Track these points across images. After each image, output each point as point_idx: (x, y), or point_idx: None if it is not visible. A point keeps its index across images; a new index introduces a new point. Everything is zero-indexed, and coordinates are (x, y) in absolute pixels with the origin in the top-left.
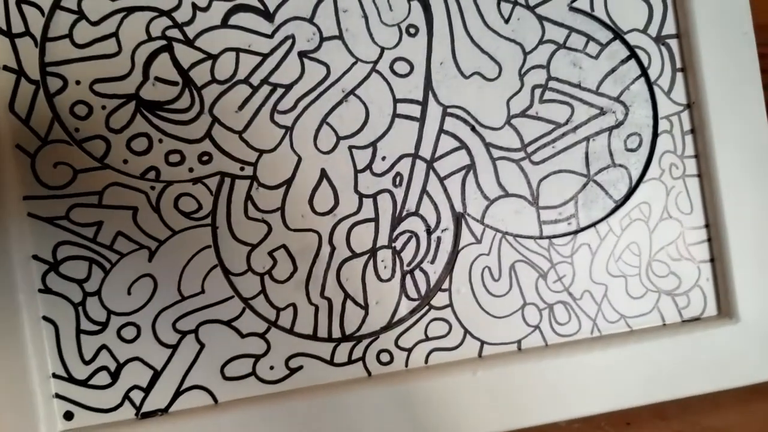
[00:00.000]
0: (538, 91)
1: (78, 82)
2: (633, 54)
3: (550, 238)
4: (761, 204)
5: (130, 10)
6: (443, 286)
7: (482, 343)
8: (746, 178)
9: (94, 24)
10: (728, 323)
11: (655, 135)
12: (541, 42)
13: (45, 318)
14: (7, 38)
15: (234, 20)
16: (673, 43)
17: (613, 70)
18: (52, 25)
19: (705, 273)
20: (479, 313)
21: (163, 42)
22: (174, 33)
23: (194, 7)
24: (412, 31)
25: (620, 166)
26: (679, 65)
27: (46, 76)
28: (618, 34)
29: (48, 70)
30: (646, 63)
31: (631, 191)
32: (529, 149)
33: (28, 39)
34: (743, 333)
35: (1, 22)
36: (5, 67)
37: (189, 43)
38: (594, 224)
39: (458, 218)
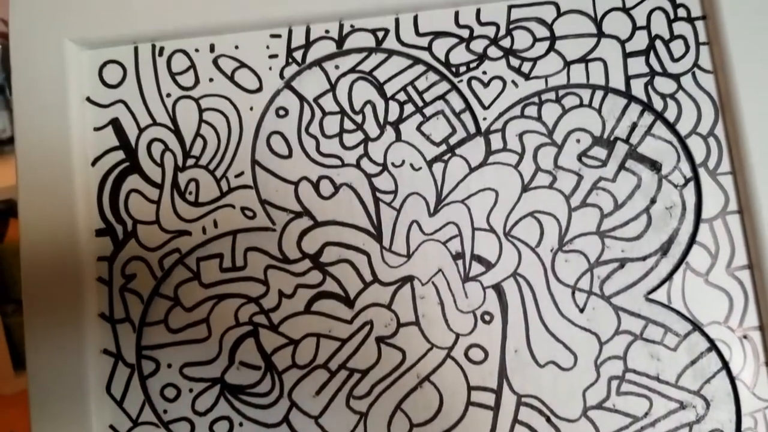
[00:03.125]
0: (615, 383)
1: (169, 365)
2: (713, 346)
3: None
4: None
5: (221, 297)
6: None
7: None
8: None
9: (188, 310)
10: None
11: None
12: (617, 332)
13: None
14: (109, 323)
15: (316, 306)
16: (756, 336)
17: (692, 363)
18: (149, 311)
19: None
20: None
21: (250, 327)
22: (260, 319)
23: (281, 293)
24: (486, 318)
25: None
26: (763, 359)
27: (141, 359)
28: (697, 326)
29: (143, 354)
30: (727, 356)
31: None
32: None
33: (128, 324)
34: None
35: (105, 309)
36: (105, 351)
37: (273, 328)
38: None
39: None
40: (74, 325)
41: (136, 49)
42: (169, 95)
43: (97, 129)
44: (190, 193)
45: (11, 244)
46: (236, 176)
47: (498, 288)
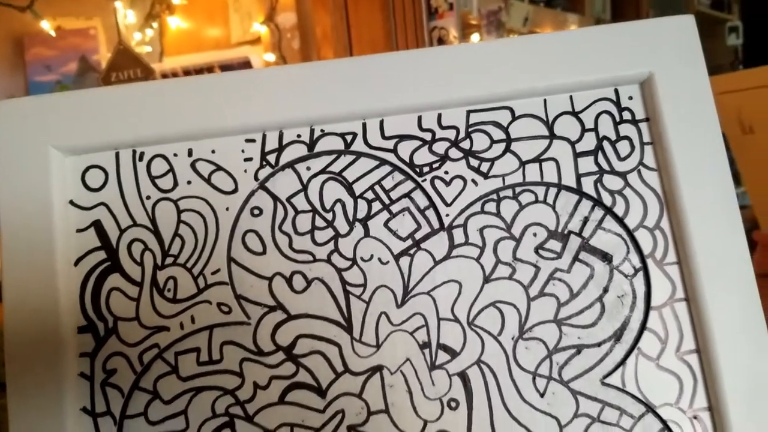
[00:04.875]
0: None
1: None
2: (666, 427)
3: None
4: None
5: (198, 390)
6: None
7: None
8: None
9: (167, 403)
10: None
11: None
12: (575, 415)
13: None
14: (90, 417)
15: (290, 397)
16: (705, 416)
17: None
18: (130, 404)
19: None
20: None
21: (226, 418)
22: (236, 410)
23: (255, 385)
24: (453, 404)
25: None
26: None
27: None
28: (650, 408)
29: None
30: None
31: None
32: None
33: (109, 418)
34: None
35: (87, 403)
36: None
37: (249, 419)
38: None
39: None
40: (57, 419)
41: (117, 155)
42: (148, 197)
43: (79, 230)
44: (169, 290)
45: None
46: (213, 273)
47: (463, 375)
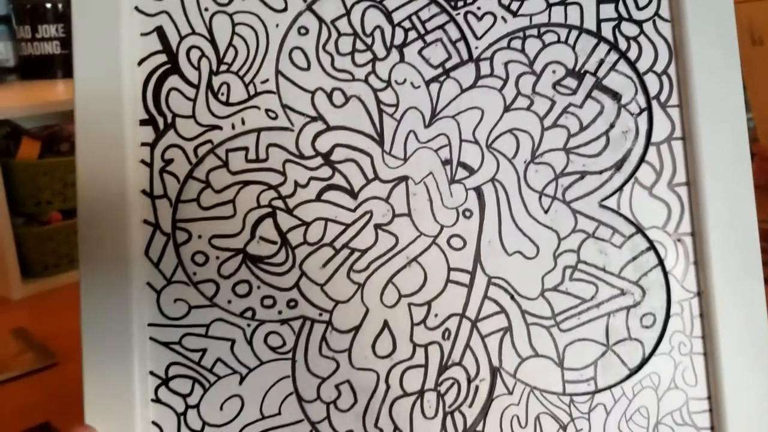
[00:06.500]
0: (568, 271)
1: (200, 236)
2: (652, 247)
3: (571, 395)
4: (758, 380)
5: (246, 183)
6: (478, 428)
7: None
8: (745, 360)
9: (217, 192)
10: None
11: (668, 316)
12: (573, 231)
13: (154, 423)
14: (150, 198)
15: (325, 196)
16: (688, 240)
17: (633, 259)
18: (184, 190)
19: None
20: None
21: (269, 209)
22: (278, 203)
23: (296, 183)
24: (467, 214)
25: (635, 340)
26: (692, 259)
27: (176, 230)
28: (639, 229)
29: (178, 225)
30: (663, 255)
31: (644, 362)
32: (559, 318)
33: (165, 200)
34: None
35: (147, 186)
36: (145, 221)
37: (289, 211)
38: (610, 387)
39: (494, 371)
40: (119, 199)
41: None
42: (206, 9)
43: (143, 34)
44: (222, 93)
45: (22, 161)
46: (262, 82)
47: (478, 190)
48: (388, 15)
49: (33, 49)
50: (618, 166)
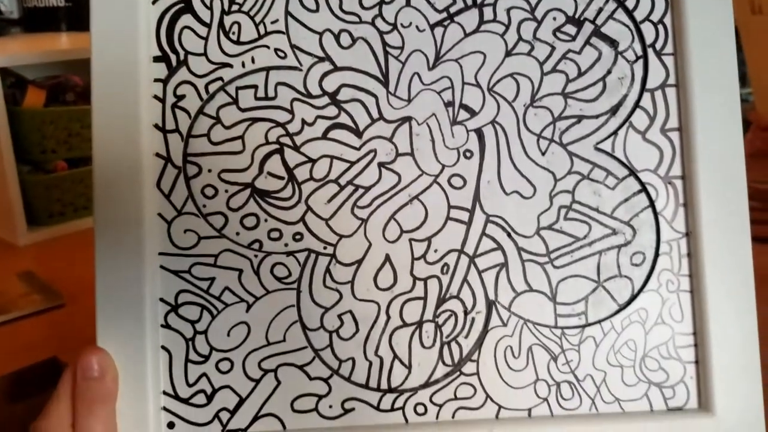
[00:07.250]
0: (563, 211)
1: (209, 170)
2: (644, 189)
3: (562, 328)
4: (741, 318)
5: (254, 120)
6: (473, 358)
7: (499, 407)
8: (730, 297)
9: (227, 128)
10: (706, 416)
11: (657, 255)
12: (569, 172)
13: (163, 347)
14: (162, 132)
15: (331, 134)
16: (678, 183)
17: (626, 200)
18: (195, 126)
19: (690, 372)
20: (499, 382)
21: (277, 146)
22: (285, 140)
23: (303, 121)
24: (467, 154)
25: (625, 277)
26: (681, 201)
27: (187, 163)
28: (632, 172)
29: (188, 159)
30: (654, 197)
31: (633, 298)
32: (553, 255)
33: (177, 135)
34: (718, 426)
35: (159, 121)
36: (157, 154)
37: (296, 148)
38: (599, 321)
39: (490, 305)
40: (132, 132)
41: None
42: None
43: None
44: (233, 32)
45: (29, 109)
46: (272, 23)
47: (479, 131)
48: None
49: (37, 1)
50: (614, 110)
